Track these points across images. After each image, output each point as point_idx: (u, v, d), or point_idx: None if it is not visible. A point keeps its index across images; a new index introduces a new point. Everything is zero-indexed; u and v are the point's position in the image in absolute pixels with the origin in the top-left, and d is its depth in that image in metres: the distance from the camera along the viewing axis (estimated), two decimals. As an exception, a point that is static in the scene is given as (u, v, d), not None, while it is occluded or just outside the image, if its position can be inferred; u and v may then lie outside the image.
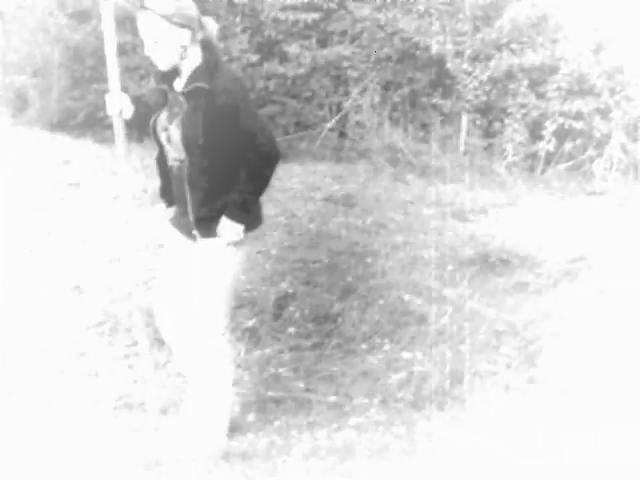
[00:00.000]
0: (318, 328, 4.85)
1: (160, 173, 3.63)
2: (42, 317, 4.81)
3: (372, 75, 9.80)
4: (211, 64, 3.37)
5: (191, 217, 3.49)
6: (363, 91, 9.78)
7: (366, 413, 4.01)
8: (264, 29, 9.75)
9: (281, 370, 4.40)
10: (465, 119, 9.64)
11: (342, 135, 9.84)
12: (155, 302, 3.73)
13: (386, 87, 9.95)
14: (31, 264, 5.50)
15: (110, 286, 5.19)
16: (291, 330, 4.82)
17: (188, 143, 3.36)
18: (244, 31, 9.54)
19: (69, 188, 7.18)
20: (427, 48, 9.63)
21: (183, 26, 3.30)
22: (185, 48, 3.35)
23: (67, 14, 9.77)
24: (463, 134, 9.64)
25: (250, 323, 4.83)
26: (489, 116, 9.65)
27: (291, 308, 5.05)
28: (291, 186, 7.78)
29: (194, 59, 3.39)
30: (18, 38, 9.78)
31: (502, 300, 5.33)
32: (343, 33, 10.07)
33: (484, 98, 9.45)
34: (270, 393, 4.16)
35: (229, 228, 3.44)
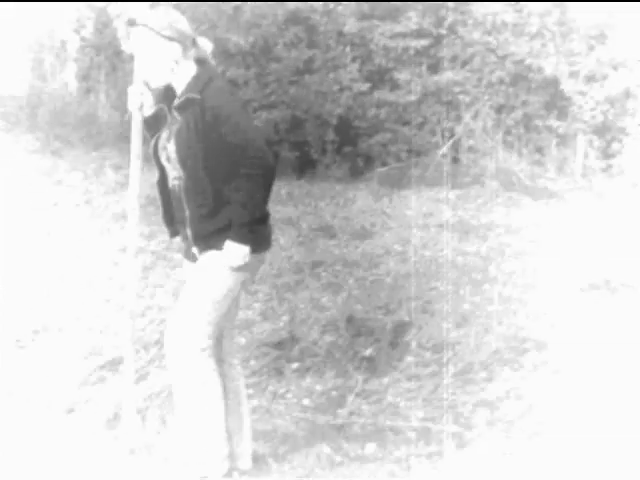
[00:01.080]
0: (436, 356, 4.79)
1: (161, 198, 3.55)
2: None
3: (484, 99, 9.69)
4: (203, 77, 3.36)
5: (189, 234, 3.43)
6: (475, 115, 9.67)
7: (487, 443, 3.92)
8: (374, 57, 9.77)
9: (399, 399, 4.35)
10: (582, 140, 9.41)
11: (455, 160, 9.74)
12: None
13: (499, 111, 9.80)
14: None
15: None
16: (409, 359, 4.77)
17: (182, 157, 3.34)
18: (354, 60, 9.59)
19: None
20: (540, 70, 9.47)
21: (173, 39, 3.33)
22: (176, 62, 3.35)
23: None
24: (580, 156, 9.40)
25: (367, 352, 4.81)
26: (607, 136, 9.39)
27: (408, 336, 5.00)
28: (404, 213, 7.75)
29: (187, 75, 3.38)
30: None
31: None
32: (454, 58, 9.99)
33: (601, 118, 9.21)
34: (389, 422, 4.11)
35: (234, 250, 3.30)
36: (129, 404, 3.71)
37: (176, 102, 3.35)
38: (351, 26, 9.44)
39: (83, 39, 9.94)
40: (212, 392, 3.41)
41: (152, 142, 3.46)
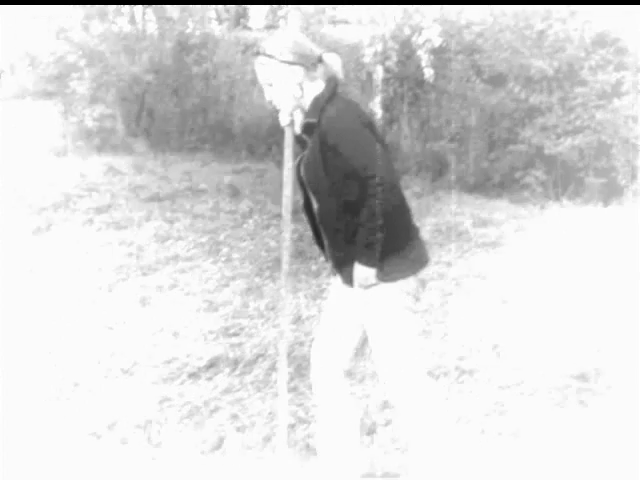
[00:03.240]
0: None
1: (309, 222, 3.43)
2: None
3: None
4: (322, 98, 3.23)
5: (330, 262, 3.37)
6: None
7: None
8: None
9: None
10: None
11: None
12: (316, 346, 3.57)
13: None
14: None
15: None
16: None
17: (310, 181, 3.26)
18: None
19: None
20: None
21: (293, 63, 3.23)
22: (300, 86, 3.25)
23: (483, 79, 10.03)
24: None
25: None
26: None
27: None
28: None
29: (313, 96, 3.26)
30: (437, 106, 10.24)
31: None
32: None
33: None
34: None
35: (358, 272, 3.20)
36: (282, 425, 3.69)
37: (301, 127, 3.29)
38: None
39: (387, 70, 10.22)
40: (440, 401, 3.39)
41: (295, 166, 3.38)
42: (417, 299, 3.38)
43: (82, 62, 11.66)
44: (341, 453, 3.55)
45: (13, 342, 5.08)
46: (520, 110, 9.58)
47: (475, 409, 4.31)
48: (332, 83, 3.29)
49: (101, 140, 11.59)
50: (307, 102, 3.27)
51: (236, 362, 4.81)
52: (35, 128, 12.41)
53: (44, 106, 12.70)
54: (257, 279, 6.34)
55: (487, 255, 6.96)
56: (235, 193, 9.14)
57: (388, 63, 10.21)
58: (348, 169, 3.12)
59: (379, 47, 10.15)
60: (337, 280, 3.43)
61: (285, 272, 3.55)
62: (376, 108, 10.30)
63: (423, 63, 10.00)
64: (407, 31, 10.28)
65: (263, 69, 3.27)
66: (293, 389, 4.57)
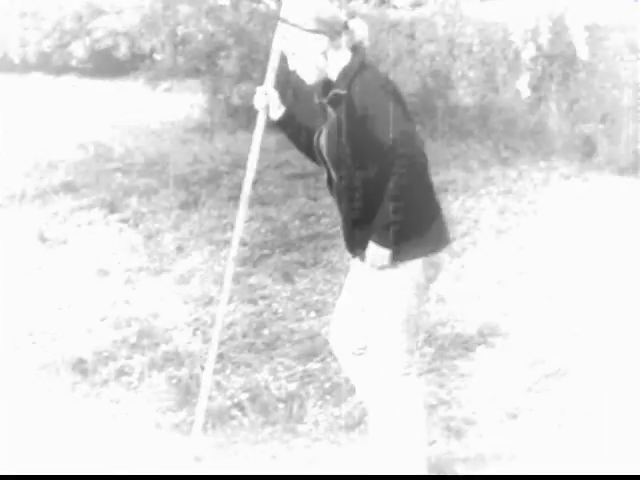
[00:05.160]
0: None
1: (333, 197, 3.31)
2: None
3: None
4: (351, 69, 3.11)
5: (345, 237, 3.26)
6: None
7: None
8: None
9: None
10: None
11: None
12: (334, 321, 3.53)
13: None
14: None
15: None
16: None
17: (331, 155, 3.16)
18: None
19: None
20: None
21: (317, 32, 3.11)
22: (325, 55, 3.13)
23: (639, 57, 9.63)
24: None
25: None
26: None
27: None
28: None
29: (339, 65, 3.15)
30: (587, 85, 9.91)
31: None
32: None
33: None
34: None
35: (372, 252, 3.08)
36: None
37: (327, 98, 3.17)
38: None
39: (538, 48, 9.95)
40: (415, 408, 3.28)
41: (315, 138, 3.28)
42: (429, 280, 3.24)
43: (230, 40, 11.87)
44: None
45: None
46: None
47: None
48: (360, 52, 3.20)
49: (247, 117, 11.78)
50: (332, 72, 3.18)
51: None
52: (181, 105, 12.81)
53: (193, 84, 13.08)
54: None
55: None
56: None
57: (539, 41, 9.92)
58: (375, 144, 3.03)
59: (530, 24, 9.88)
60: (355, 259, 3.35)
61: (232, 256, 3.61)
62: (523, 87, 10.05)
63: (576, 40, 9.66)
64: (559, 7, 9.95)
65: (286, 38, 3.18)
66: (434, 370, 4.56)
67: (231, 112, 11.96)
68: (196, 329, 4.93)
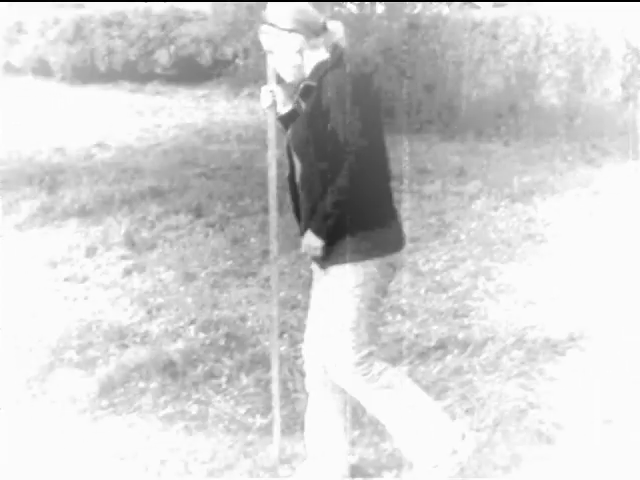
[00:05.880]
0: None
1: (290, 194, 3.39)
2: None
3: None
4: (324, 64, 3.19)
5: (301, 233, 3.29)
6: None
7: None
8: None
9: None
10: None
11: None
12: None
13: None
14: None
15: None
16: None
17: (295, 146, 3.22)
18: None
19: None
20: None
21: (293, 31, 3.19)
22: (300, 53, 3.22)
23: None
24: None
25: None
26: None
27: None
28: None
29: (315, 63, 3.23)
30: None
31: None
32: None
33: None
34: None
35: (306, 240, 3.20)
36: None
37: (299, 90, 3.26)
38: None
39: (628, 45, 9.75)
40: (405, 389, 3.28)
41: (286, 137, 3.34)
42: (387, 281, 3.27)
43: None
44: (327, 446, 3.52)
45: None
46: None
47: None
48: (337, 51, 3.25)
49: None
50: (308, 70, 3.25)
51: (465, 344, 4.78)
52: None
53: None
54: (486, 261, 6.25)
55: None
56: (462, 174, 9.05)
57: (628, 37, 9.72)
58: (332, 138, 3.08)
59: (619, 21, 9.69)
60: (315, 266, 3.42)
61: (274, 257, 3.62)
62: (614, 86, 9.85)
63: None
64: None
65: (265, 37, 3.27)
66: (523, 373, 4.49)
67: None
68: (283, 332, 4.94)
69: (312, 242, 3.18)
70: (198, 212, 7.64)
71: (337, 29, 3.32)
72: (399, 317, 5.20)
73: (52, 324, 5.20)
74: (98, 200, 8.04)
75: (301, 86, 3.26)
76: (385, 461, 3.74)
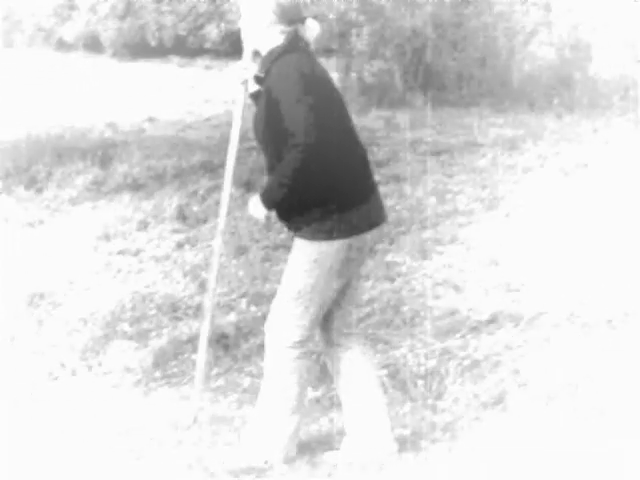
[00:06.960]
0: None
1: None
2: None
3: None
4: (273, 53, 3.26)
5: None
6: None
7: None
8: None
9: None
10: None
11: None
12: None
13: None
14: None
15: None
16: None
17: (255, 132, 3.35)
18: None
19: None
20: None
21: (270, 9, 3.27)
22: (266, 27, 3.28)
23: None
24: None
25: None
26: None
27: None
28: None
29: (270, 47, 3.30)
30: None
31: None
32: None
33: None
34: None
35: (253, 202, 3.28)
36: None
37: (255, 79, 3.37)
38: None
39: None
40: (292, 384, 3.36)
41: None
42: (349, 262, 3.29)
43: (361, 18, 11.86)
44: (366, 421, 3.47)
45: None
46: None
47: None
48: (291, 38, 3.28)
49: (379, 95, 11.76)
50: (265, 51, 3.33)
51: (518, 318, 4.74)
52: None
53: (325, 63, 13.09)
54: (537, 235, 6.18)
55: None
56: (514, 147, 8.94)
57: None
58: (280, 127, 3.18)
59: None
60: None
61: (221, 230, 3.66)
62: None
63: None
64: None
65: (244, 8, 3.37)
66: (577, 348, 4.45)
67: (363, 90, 11.94)
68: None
69: (256, 207, 3.28)
70: (249, 186, 7.65)
71: (313, 28, 3.38)
72: (451, 291, 5.18)
73: (106, 297, 5.27)
74: (150, 174, 8.11)
75: (253, 77, 3.37)
76: (438, 435, 3.73)
